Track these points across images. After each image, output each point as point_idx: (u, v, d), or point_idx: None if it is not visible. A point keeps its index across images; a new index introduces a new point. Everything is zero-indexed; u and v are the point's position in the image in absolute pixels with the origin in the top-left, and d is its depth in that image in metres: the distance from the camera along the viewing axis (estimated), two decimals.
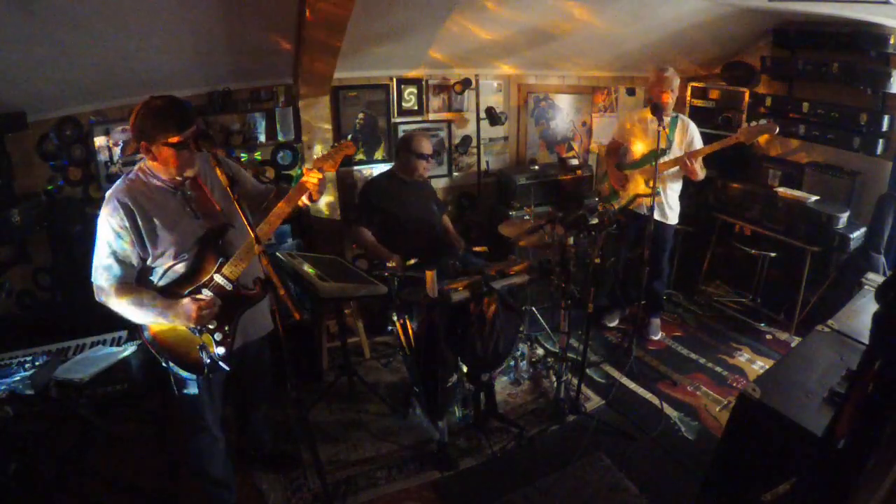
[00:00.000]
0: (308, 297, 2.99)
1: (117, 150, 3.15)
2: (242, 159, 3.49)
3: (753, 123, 3.01)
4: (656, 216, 3.32)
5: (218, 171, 1.71)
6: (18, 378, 2.02)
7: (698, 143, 3.25)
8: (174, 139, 1.67)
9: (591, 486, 2.38)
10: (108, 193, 1.74)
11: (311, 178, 1.87)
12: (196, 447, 2.06)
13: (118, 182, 1.78)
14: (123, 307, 1.74)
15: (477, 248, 3.36)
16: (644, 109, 3.41)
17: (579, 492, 2.36)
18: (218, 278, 1.81)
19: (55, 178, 3.04)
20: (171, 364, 1.86)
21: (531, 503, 2.31)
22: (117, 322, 2.37)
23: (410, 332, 2.54)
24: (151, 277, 1.82)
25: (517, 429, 2.72)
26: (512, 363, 3.11)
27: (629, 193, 3.43)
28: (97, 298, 1.76)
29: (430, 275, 2.23)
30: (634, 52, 4.25)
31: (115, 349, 2.30)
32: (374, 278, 2.75)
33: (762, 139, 4.19)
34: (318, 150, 3.58)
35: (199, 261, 1.82)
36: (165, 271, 1.81)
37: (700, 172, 3.16)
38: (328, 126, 3.65)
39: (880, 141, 3.42)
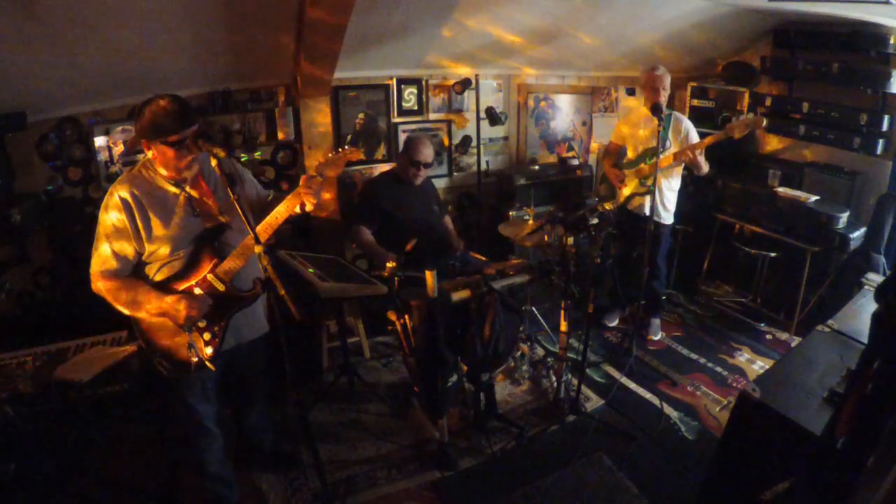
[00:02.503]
0: (308, 297, 2.99)
1: (117, 150, 3.15)
2: (242, 159, 3.48)
3: (743, 118, 3.01)
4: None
5: (217, 172, 1.72)
6: (18, 378, 2.02)
7: (695, 138, 3.25)
8: (173, 138, 1.70)
9: (591, 487, 2.38)
10: (110, 187, 1.77)
11: (308, 185, 1.84)
12: (194, 444, 2.07)
13: (121, 175, 1.81)
14: (117, 299, 1.76)
15: (476, 255, 3.34)
16: (637, 110, 3.41)
17: (579, 492, 2.35)
18: (211, 278, 1.83)
19: (55, 178, 3.03)
20: (158, 357, 1.86)
21: (531, 503, 2.31)
22: (117, 322, 2.40)
23: (410, 332, 2.54)
24: (147, 272, 1.83)
25: (517, 429, 2.72)
26: (512, 363, 3.11)
27: (624, 193, 3.44)
28: (93, 288, 1.79)
29: (430, 275, 2.23)
30: (634, 52, 4.25)
31: (115, 349, 2.30)
32: (374, 278, 2.76)
33: (763, 136, 4.20)
34: (318, 151, 3.58)
35: (195, 259, 1.84)
36: (161, 266, 1.83)
37: (704, 165, 3.17)
38: (328, 126, 3.64)
39: (880, 141, 3.41)
